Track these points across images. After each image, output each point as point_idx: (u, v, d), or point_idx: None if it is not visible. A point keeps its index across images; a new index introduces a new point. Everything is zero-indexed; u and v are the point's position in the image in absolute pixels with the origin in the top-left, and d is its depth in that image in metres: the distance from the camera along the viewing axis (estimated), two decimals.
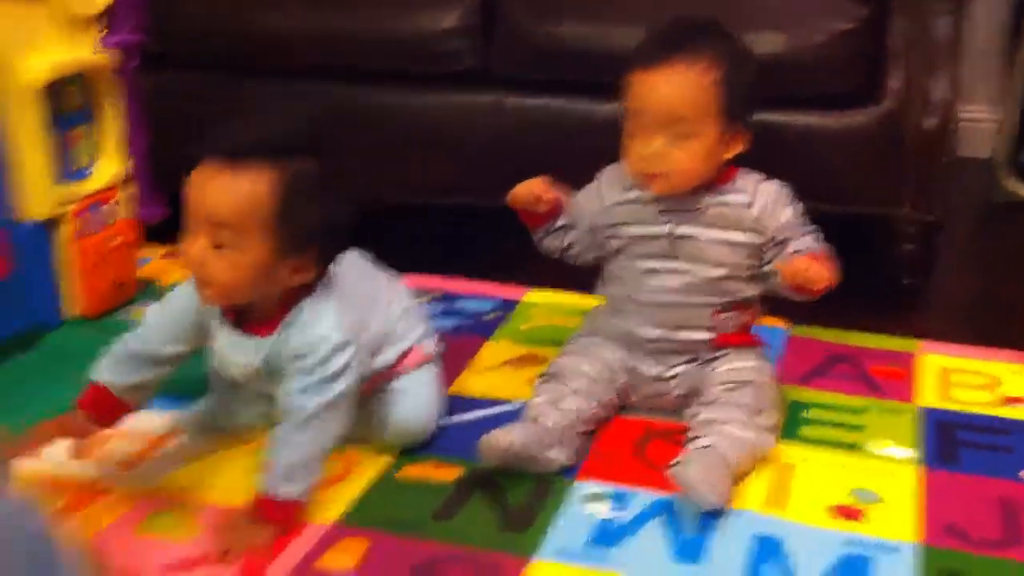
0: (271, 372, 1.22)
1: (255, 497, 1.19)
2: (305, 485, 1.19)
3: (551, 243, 1.47)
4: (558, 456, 1.31)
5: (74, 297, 1.58)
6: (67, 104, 1.55)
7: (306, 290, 1.21)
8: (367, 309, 1.31)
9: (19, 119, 1.46)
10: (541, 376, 1.43)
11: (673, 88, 1.32)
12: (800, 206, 1.40)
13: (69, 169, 1.55)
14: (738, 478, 1.28)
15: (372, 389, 1.33)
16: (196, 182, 1.15)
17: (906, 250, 1.81)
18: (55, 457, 1.24)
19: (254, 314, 1.22)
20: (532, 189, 1.41)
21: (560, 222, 1.44)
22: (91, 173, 1.58)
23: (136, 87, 1.68)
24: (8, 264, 1.46)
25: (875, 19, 1.73)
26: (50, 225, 1.53)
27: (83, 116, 1.58)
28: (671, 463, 1.25)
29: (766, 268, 1.40)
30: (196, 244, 1.15)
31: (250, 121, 1.20)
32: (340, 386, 1.20)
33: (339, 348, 1.20)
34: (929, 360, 1.59)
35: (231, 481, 1.28)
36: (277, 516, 1.18)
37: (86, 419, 1.24)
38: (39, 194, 1.49)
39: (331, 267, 1.24)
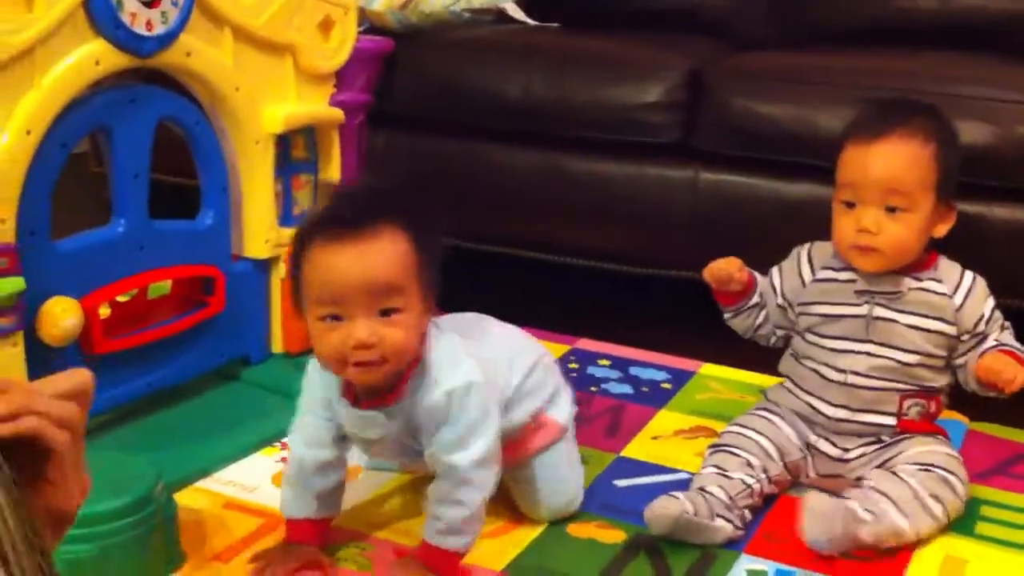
0: (412, 434, 1.21)
1: (421, 543, 1.21)
2: (469, 538, 1.21)
3: (742, 322, 1.51)
4: (724, 527, 1.32)
5: (280, 334, 1.70)
6: (295, 152, 1.68)
7: (422, 340, 1.18)
8: (489, 355, 1.27)
9: (253, 164, 1.59)
10: (712, 445, 1.45)
11: (893, 159, 1.35)
12: (993, 303, 1.40)
13: (290, 214, 1.67)
14: (865, 542, 1.29)
15: (514, 461, 1.31)
16: (340, 264, 1.11)
17: None
18: None
19: (380, 386, 1.18)
20: (727, 268, 1.45)
21: (752, 301, 1.48)
22: None
23: (358, 143, 1.80)
24: (223, 301, 1.58)
25: None
26: (265, 265, 1.66)
27: (307, 166, 1.71)
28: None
29: (959, 360, 1.40)
30: (361, 326, 1.11)
31: (345, 197, 1.23)
32: (487, 435, 1.18)
33: (476, 389, 1.18)
34: None
35: (402, 518, 1.36)
36: (441, 566, 1.20)
37: (305, 548, 1.25)
38: (259, 235, 1.61)
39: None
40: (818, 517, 1.27)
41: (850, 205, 1.38)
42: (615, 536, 1.34)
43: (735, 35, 2.24)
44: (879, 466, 1.39)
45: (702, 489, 1.35)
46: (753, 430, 1.43)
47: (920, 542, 1.33)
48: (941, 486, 1.34)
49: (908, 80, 1.78)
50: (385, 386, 1.18)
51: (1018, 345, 1.39)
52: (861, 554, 1.31)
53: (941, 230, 1.40)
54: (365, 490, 1.42)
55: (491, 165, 2.04)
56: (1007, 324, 1.41)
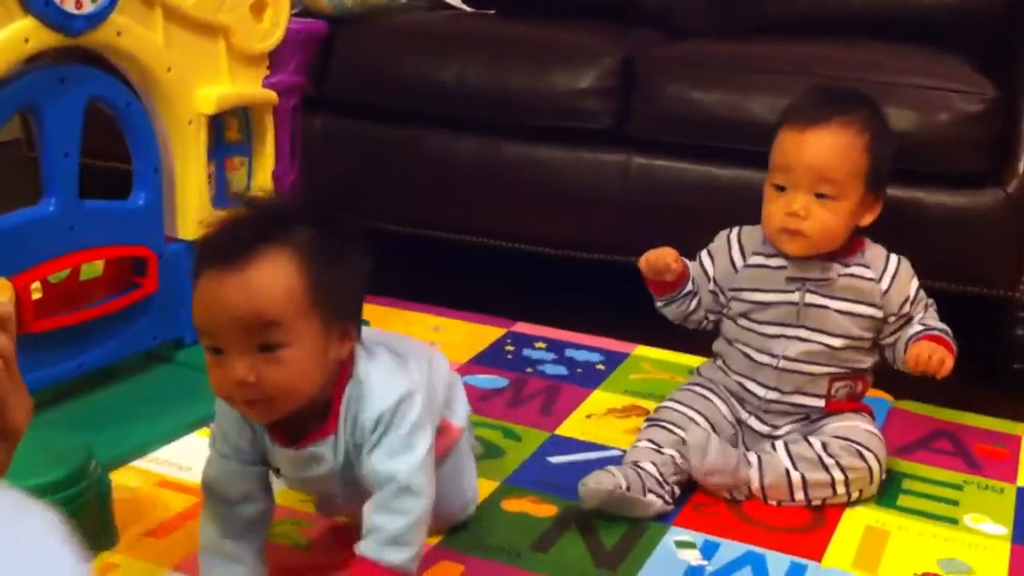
0: (356, 456, 1.11)
1: (358, 561, 1.09)
2: (412, 552, 1.09)
3: (674, 310, 1.52)
4: (654, 502, 1.35)
5: None
6: (228, 134, 1.67)
7: (348, 365, 1.10)
8: (417, 373, 1.18)
9: (185, 145, 1.58)
10: (648, 419, 1.48)
11: (827, 147, 1.38)
12: (918, 286, 1.45)
13: (223, 195, 1.67)
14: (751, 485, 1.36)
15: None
16: (213, 295, 1.02)
17: (1019, 334, 1.81)
18: None
19: (306, 420, 1.09)
20: (663, 258, 1.46)
21: (685, 290, 1.50)
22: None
23: (292, 126, 1.80)
24: (156, 282, 1.58)
25: (1005, 102, 1.76)
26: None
27: (241, 148, 1.70)
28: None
29: (887, 340, 1.44)
30: (237, 363, 1.01)
31: (241, 214, 1.09)
32: (424, 441, 1.10)
33: (414, 397, 1.11)
34: None
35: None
36: None
37: None
38: (193, 217, 1.61)
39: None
40: (718, 451, 1.34)
41: (781, 189, 1.40)
42: (547, 510, 1.36)
43: (673, 26, 2.27)
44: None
45: (636, 464, 1.38)
46: (688, 407, 1.46)
47: (844, 515, 1.36)
48: (850, 456, 1.38)
49: (838, 68, 1.82)
50: (316, 414, 1.09)
51: (942, 326, 1.43)
52: (786, 524, 1.34)
53: (867, 219, 1.43)
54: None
55: (427, 151, 2.05)
56: (931, 302, 1.46)
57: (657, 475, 1.36)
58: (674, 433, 1.41)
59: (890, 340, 1.44)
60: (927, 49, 1.99)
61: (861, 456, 1.38)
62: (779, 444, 1.40)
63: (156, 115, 1.55)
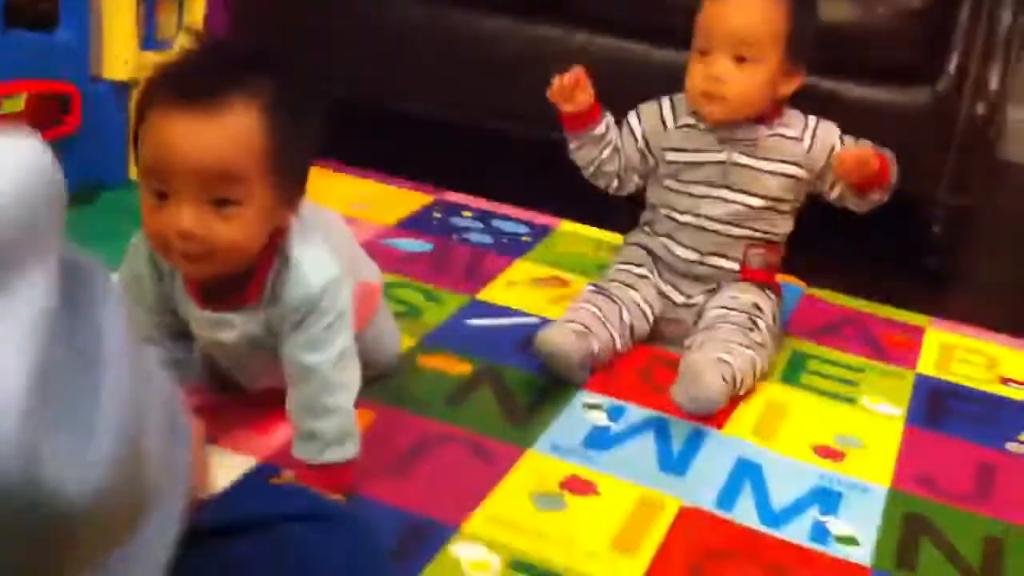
0: (269, 331, 1.08)
1: (299, 466, 1.08)
2: (352, 445, 1.08)
3: (588, 152, 1.49)
4: (584, 375, 1.38)
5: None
6: None
7: (278, 236, 1.05)
8: (337, 244, 1.15)
9: None
10: (594, 285, 1.49)
11: (747, 10, 1.40)
12: (849, 137, 1.46)
13: (152, 38, 1.63)
14: (739, 389, 1.35)
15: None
16: (174, 136, 0.95)
17: (935, 232, 1.86)
18: None
19: (225, 283, 1.05)
20: (571, 73, 1.43)
21: (599, 130, 1.48)
22: (172, 46, 1.67)
23: None
24: (79, 120, 1.55)
25: (943, 2, 1.77)
26: (125, 88, 1.62)
27: None
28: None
29: (830, 192, 1.46)
30: (186, 212, 0.95)
31: (207, 52, 1.02)
32: (345, 331, 1.06)
33: (341, 284, 1.06)
34: (936, 335, 1.65)
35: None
36: (328, 482, 1.05)
37: None
38: (120, 57, 1.58)
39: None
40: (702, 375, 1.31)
41: (703, 53, 1.42)
42: (463, 368, 1.39)
43: None
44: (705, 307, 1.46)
45: (585, 330, 1.38)
46: (628, 287, 1.48)
47: (746, 390, 1.40)
48: (741, 334, 1.40)
49: None
50: (236, 281, 1.05)
51: (881, 149, 1.44)
52: None
53: (787, 88, 1.45)
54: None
55: (366, 10, 2.01)
56: (864, 142, 1.46)
57: (596, 351, 1.38)
58: (620, 305, 1.44)
59: (830, 188, 1.47)
60: None
61: (753, 364, 1.39)
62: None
63: None
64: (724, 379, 1.30)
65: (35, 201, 0.43)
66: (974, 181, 1.82)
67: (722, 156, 1.45)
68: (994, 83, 1.79)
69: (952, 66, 1.78)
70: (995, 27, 1.79)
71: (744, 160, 1.45)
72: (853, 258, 1.89)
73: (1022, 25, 1.81)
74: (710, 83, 1.41)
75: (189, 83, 0.96)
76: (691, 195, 1.47)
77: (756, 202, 1.46)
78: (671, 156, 1.48)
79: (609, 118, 1.49)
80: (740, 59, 1.40)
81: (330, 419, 1.06)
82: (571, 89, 1.44)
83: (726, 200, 1.46)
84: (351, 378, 1.08)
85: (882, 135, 1.79)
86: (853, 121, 1.78)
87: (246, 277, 1.05)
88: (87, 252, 0.49)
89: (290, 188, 1.02)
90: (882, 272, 1.87)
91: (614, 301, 1.45)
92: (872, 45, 1.78)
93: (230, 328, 1.08)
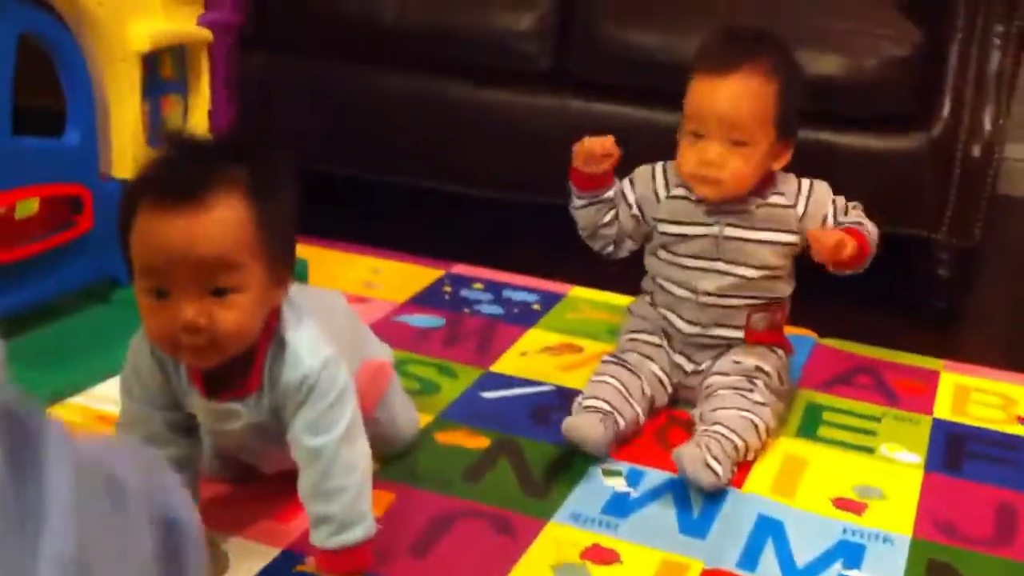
0: (274, 417, 1.09)
1: (319, 554, 1.09)
2: (368, 522, 1.08)
3: (591, 213, 1.50)
4: (608, 451, 1.38)
5: None
6: (163, 72, 1.67)
7: (273, 316, 1.06)
8: (336, 328, 1.16)
9: (119, 82, 1.58)
10: (610, 355, 1.50)
11: (736, 96, 1.39)
12: (842, 199, 1.47)
13: (158, 134, 1.67)
14: (744, 455, 1.35)
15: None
16: (164, 235, 0.97)
17: (941, 274, 1.87)
18: None
19: (227, 372, 1.06)
20: (604, 143, 1.44)
21: (607, 194, 1.49)
22: None
23: (228, 65, 1.79)
24: (91, 220, 1.58)
25: (931, 47, 1.80)
26: None
27: (176, 86, 1.70)
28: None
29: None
30: (189, 306, 0.98)
31: (179, 152, 1.05)
32: (348, 408, 1.07)
33: (335, 363, 1.07)
34: (950, 378, 1.65)
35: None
36: (349, 565, 1.08)
37: None
38: (128, 154, 1.61)
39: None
40: (693, 464, 1.30)
41: (696, 136, 1.42)
42: (480, 443, 1.40)
43: None
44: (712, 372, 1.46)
45: (609, 409, 1.38)
46: (650, 360, 1.48)
47: (764, 444, 1.41)
48: (739, 398, 1.40)
49: (771, 10, 1.84)
50: (237, 368, 1.05)
51: (862, 222, 1.45)
52: None
53: (778, 164, 1.45)
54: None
55: (366, 90, 2.06)
56: (855, 205, 1.48)
57: (622, 429, 1.39)
58: (638, 377, 1.45)
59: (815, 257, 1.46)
60: None
61: (754, 426, 1.39)
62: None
63: (90, 51, 1.55)
64: (711, 466, 1.28)
65: None
66: (976, 222, 1.83)
67: (714, 230, 1.46)
68: (988, 123, 1.82)
69: (945, 110, 1.81)
70: (984, 67, 1.82)
71: (736, 233, 1.45)
72: (862, 305, 1.90)
73: (1011, 62, 1.84)
74: (704, 167, 1.41)
75: (170, 183, 0.99)
76: (685, 267, 1.48)
77: (752, 273, 1.46)
78: (663, 228, 1.49)
79: (618, 183, 1.51)
80: (734, 143, 1.40)
81: (339, 500, 1.06)
82: (600, 156, 1.45)
83: (720, 272, 1.46)
84: (358, 457, 1.08)
85: (881, 182, 1.82)
86: (851, 170, 1.82)
87: (247, 364, 1.06)
88: (18, 391, 0.47)
89: (280, 268, 1.05)
90: (892, 317, 1.88)
91: (635, 374, 1.46)
92: (865, 94, 1.81)
93: (236, 418, 1.09)
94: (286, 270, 1.06)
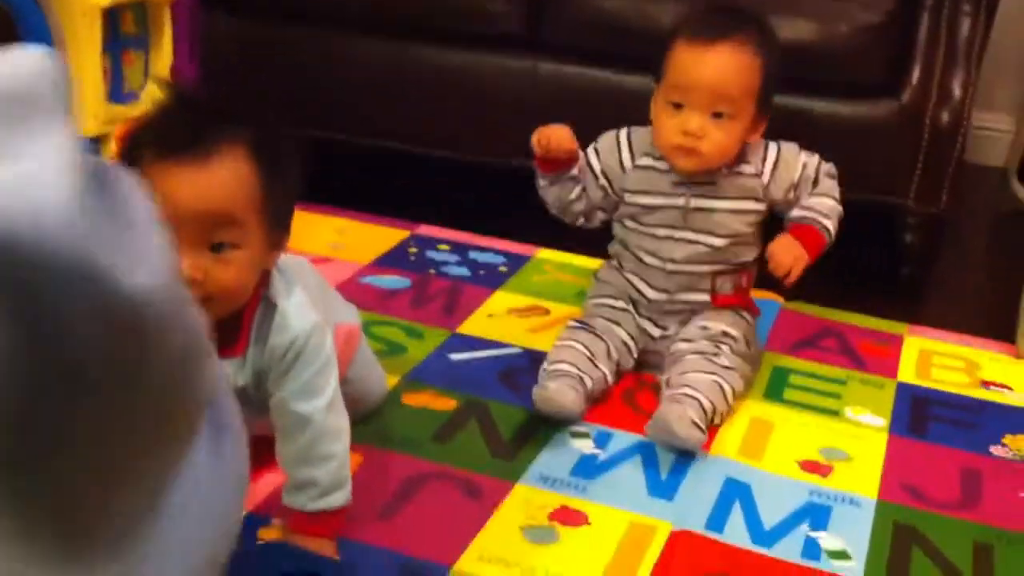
0: (257, 383, 1.08)
1: (294, 515, 1.08)
2: (347, 488, 1.08)
3: (557, 192, 1.50)
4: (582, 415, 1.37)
5: None
6: (124, 28, 1.63)
7: (263, 279, 1.06)
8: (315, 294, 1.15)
9: (79, 37, 1.54)
10: (578, 321, 1.49)
11: (726, 68, 1.38)
12: (814, 160, 1.47)
13: (119, 91, 1.63)
14: (712, 418, 1.35)
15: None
16: (168, 186, 0.94)
17: (908, 241, 1.88)
18: None
19: (216, 330, 1.04)
20: (561, 135, 1.44)
21: (572, 173, 1.49)
22: (140, 98, 1.67)
23: (191, 23, 1.76)
24: None
25: (902, 14, 1.80)
26: (95, 143, 1.62)
27: (138, 42, 1.66)
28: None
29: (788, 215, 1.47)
30: (185, 259, 0.95)
31: (183, 105, 1.04)
32: (332, 377, 1.07)
33: (322, 330, 1.07)
34: (914, 342, 1.66)
35: None
36: (325, 529, 1.08)
37: None
38: (89, 112, 1.57)
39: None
40: (674, 426, 1.29)
41: (677, 106, 1.41)
42: (447, 404, 1.39)
43: None
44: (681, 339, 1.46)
45: (578, 372, 1.37)
46: (616, 324, 1.48)
47: (722, 416, 1.39)
48: (706, 362, 1.40)
49: None
50: (224, 330, 1.02)
51: (824, 207, 1.45)
52: None
53: (754, 136, 1.45)
54: None
55: (332, 52, 2.02)
56: (827, 169, 1.47)
57: (590, 389, 1.38)
58: (605, 342, 1.44)
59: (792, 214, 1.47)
60: None
61: (721, 390, 1.38)
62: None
63: (49, 7, 1.50)
64: (696, 423, 1.29)
65: (47, 71, 0.51)
66: (943, 188, 1.84)
67: (680, 201, 1.45)
68: (957, 91, 1.82)
69: (915, 77, 1.80)
70: (955, 36, 1.81)
71: (703, 203, 1.45)
72: (828, 270, 1.90)
73: (981, 32, 1.84)
74: (686, 139, 1.40)
75: (174, 135, 0.98)
76: (653, 236, 1.47)
77: (719, 242, 1.46)
78: (630, 198, 1.48)
79: (582, 159, 1.49)
80: (716, 114, 1.39)
81: (326, 466, 1.06)
82: (555, 149, 1.44)
83: (688, 241, 1.46)
84: (343, 423, 1.08)
85: (850, 149, 1.82)
86: (821, 136, 1.80)
87: (234, 326, 1.05)
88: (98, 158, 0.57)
89: (278, 230, 1.04)
90: (857, 282, 1.89)
91: (600, 338, 1.45)
92: (836, 61, 1.79)
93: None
94: (283, 234, 1.06)
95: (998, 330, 1.70)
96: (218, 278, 0.99)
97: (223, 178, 0.98)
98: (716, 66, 1.38)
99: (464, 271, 1.80)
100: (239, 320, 1.05)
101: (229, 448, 0.57)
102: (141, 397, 0.50)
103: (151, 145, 0.98)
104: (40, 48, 0.49)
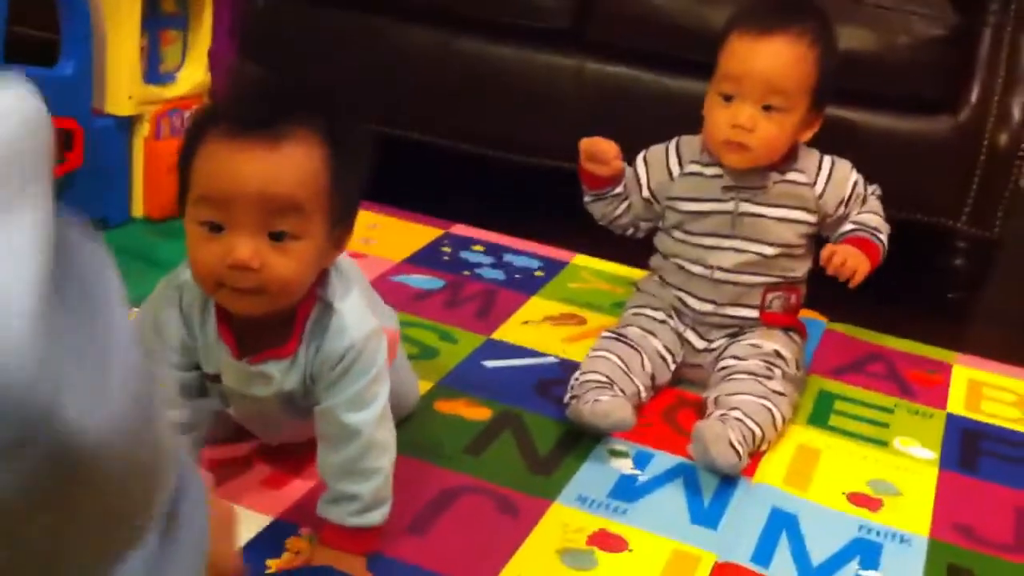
0: (306, 390, 1.03)
1: (330, 528, 1.03)
2: (388, 506, 1.04)
3: (603, 207, 1.47)
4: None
5: (141, 198, 1.63)
6: (164, 6, 1.59)
7: (320, 278, 1.01)
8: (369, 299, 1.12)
9: (118, 12, 1.50)
10: (611, 331, 1.43)
11: (780, 57, 1.34)
12: (862, 181, 1.43)
13: (156, 71, 1.59)
14: (759, 444, 1.29)
15: None
16: (236, 164, 0.91)
17: (957, 264, 1.82)
18: None
19: (262, 332, 1.00)
20: (606, 150, 1.41)
21: (616, 190, 1.46)
22: (176, 79, 1.62)
23: (232, 3, 1.71)
24: (81, 156, 1.50)
25: (966, 30, 1.74)
26: (128, 123, 1.58)
27: (177, 21, 1.62)
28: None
29: (829, 235, 1.43)
30: (244, 243, 0.91)
31: (259, 87, 1.03)
32: (384, 388, 1.02)
33: (379, 337, 1.02)
34: (963, 372, 1.61)
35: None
36: (361, 546, 1.04)
37: None
38: (123, 91, 1.53)
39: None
40: (712, 447, 1.24)
41: (727, 99, 1.37)
42: (481, 414, 1.34)
43: None
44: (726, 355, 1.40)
45: (611, 384, 1.33)
46: (645, 331, 1.42)
47: (768, 443, 1.33)
48: (757, 384, 1.34)
49: None
50: (274, 329, 0.99)
51: (875, 223, 1.41)
52: None
53: (807, 135, 1.40)
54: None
55: (374, 40, 1.97)
56: (874, 189, 1.44)
57: (631, 402, 1.33)
58: (640, 353, 1.39)
59: (828, 236, 1.43)
60: None
61: (771, 416, 1.32)
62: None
63: None
64: (735, 446, 1.23)
65: (22, 132, 0.42)
66: (997, 212, 1.78)
67: (729, 206, 1.40)
68: (1017, 113, 1.76)
69: (974, 95, 1.75)
70: (1017, 55, 1.76)
71: (752, 209, 1.40)
72: (874, 291, 1.84)
73: None
74: (736, 133, 1.35)
75: (250, 113, 0.94)
76: (700, 245, 1.42)
77: (769, 251, 1.41)
78: (677, 205, 1.43)
79: (628, 173, 1.45)
80: (767, 107, 1.34)
81: (370, 482, 1.01)
82: (600, 160, 1.41)
83: (737, 250, 1.41)
84: (391, 438, 1.03)
85: (902, 165, 1.76)
86: (873, 150, 1.75)
87: (286, 325, 1.00)
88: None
89: (341, 227, 0.99)
90: (903, 305, 1.83)
91: (634, 349, 1.40)
92: (894, 73, 1.74)
93: (266, 382, 1.02)
94: (345, 231, 1.01)
95: None
96: (275, 268, 0.93)
97: (294, 162, 0.93)
98: (770, 56, 1.34)
99: (499, 274, 1.75)
100: (292, 319, 1.00)
101: (183, 531, 0.51)
102: (77, 521, 0.43)
103: (224, 119, 0.94)
104: (18, 86, 0.41)
